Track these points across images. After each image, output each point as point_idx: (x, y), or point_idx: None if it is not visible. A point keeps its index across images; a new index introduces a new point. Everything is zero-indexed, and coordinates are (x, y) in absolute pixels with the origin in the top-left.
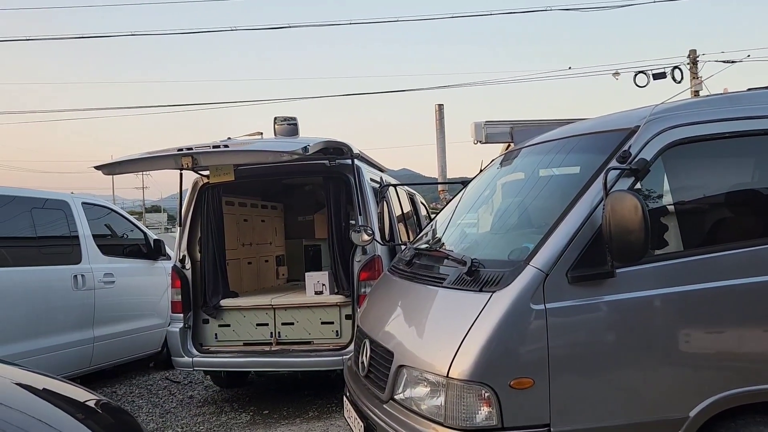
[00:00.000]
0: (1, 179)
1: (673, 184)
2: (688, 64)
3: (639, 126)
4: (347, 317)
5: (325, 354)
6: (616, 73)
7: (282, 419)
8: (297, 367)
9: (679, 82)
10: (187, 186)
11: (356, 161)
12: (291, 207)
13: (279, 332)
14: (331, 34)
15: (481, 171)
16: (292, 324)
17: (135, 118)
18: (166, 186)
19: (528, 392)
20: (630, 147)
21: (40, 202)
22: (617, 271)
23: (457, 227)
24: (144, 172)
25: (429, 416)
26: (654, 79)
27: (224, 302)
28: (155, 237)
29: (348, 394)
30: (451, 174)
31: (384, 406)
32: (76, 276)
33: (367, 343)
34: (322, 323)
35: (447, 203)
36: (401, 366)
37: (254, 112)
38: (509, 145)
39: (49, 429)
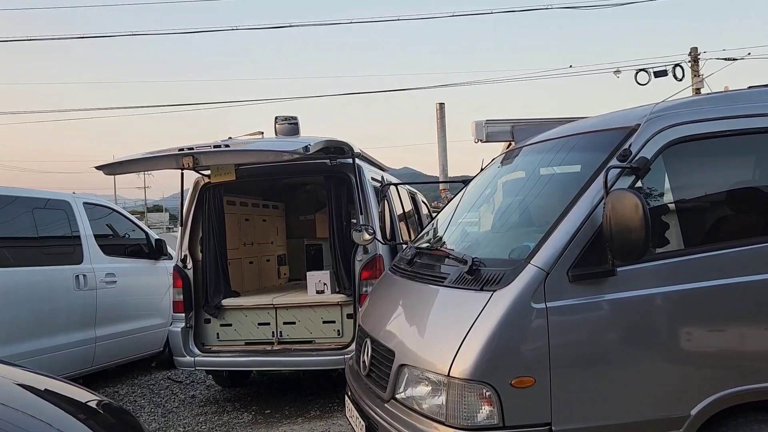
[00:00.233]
0: (2, 179)
1: (673, 182)
2: (689, 61)
3: (639, 124)
4: (348, 316)
5: (327, 353)
6: (618, 71)
7: (284, 418)
8: (299, 366)
9: (681, 80)
10: (189, 186)
11: (357, 160)
12: (292, 206)
13: (280, 332)
14: (332, 33)
15: (482, 170)
16: (294, 323)
17: (135, 118)
18: (168, 186)
19: (529, 391)
20: (630, 145)
21: (41, 203)
22: (618, 269)
23: (458, 226)
24: (145, 172)
25: (430, 415)
26: (655, 77)
27: (226, 302)
28: (157, 237)
29: (349, 394)
30: (453, 173)
31: (385, 405)
32: (77, 276)
33: (369, 343)
34: (324, 322)
35: (448, 202)
36: (402, 365)
37: (255, 111)
38: (510, 144)
39: (51, 430)
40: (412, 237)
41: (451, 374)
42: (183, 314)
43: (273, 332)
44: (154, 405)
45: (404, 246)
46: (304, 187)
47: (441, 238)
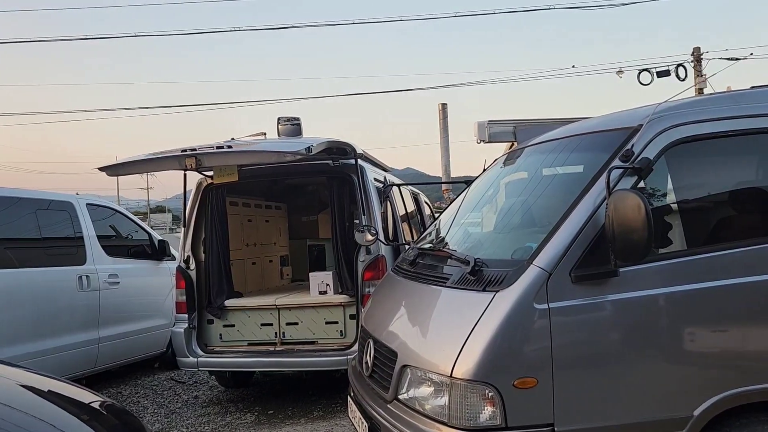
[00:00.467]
0: (5, 180)
1: (676, 182)
2: (692, 61)
3: (642, 125)
4: (351, 317)
5: (330, 354)
6: (620, 71)
7: (287, 419)
8: (301, 367)
9: (683, 80)
10: (192, 187)
11: (360, 161)
12: (295, 207)
13: (283, 332)
14: (334, 34)
15: (484, 170)
16: (297, 324)
17: (138, 119)
18: (171, 186)
19: (532, 392)
20: (633, 146)
21: (44, 204)
22: (620, 270)
23: (461, 227)
24: (148, 173)
25: (433, 416)
26: (658, 77)
27: (229, 302)
28: (160, 238)
29: (352, 394)
30: (455, 173)
31: (388, 406)
32: (80, 277)
33: (371, 343)
34: (327, 323)
35: (451, 202)
36: (405, 366)
37: (257, 112)
38: (512, 145)
39: (54, 431)
40: (415, 238)
41: (453, 375)
42: (186, 315)
43: (276, 333)
44: (157, 406)
45: (407, 247)
46: (306, 187)
47: (443, 238)
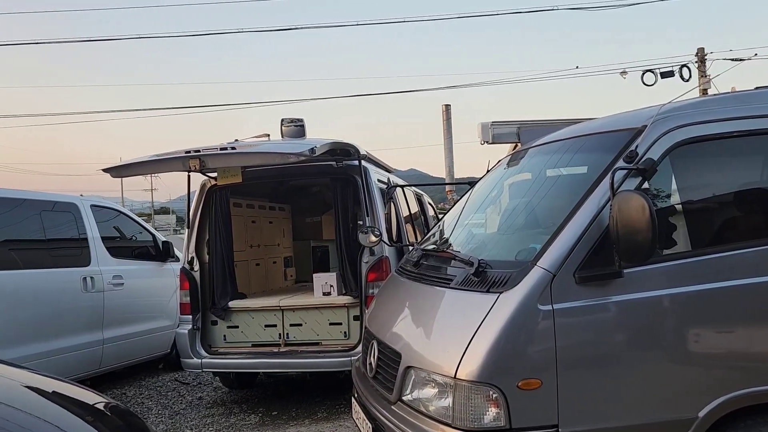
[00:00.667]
0: (10, 182)
1: (680, 183)
2: (696, 62)
3: (646, 125)
4: (355, 318)
5: (334, 355)
6: (624, 72)
7: (291, 420)
8: (305, 368)
9: (687, 81)
10: (195, 188)
11: (363, 162)
12: (298, 208)
13: (287, 333)
14: (337, 36)
15: (488, 171)
16: (301, 325)
17: (142, 120)
18: (175, 188)
19: (536, 393)
20: (637, 147)
21: (49, 205)
22: (625, 271)
23: (465, 228)
24: (152, 175)
25: (437, 417)
26: (662, 78)
27: (233, 304)
28: (164, 239)
29: (356, 396)
30: (459, 174)
31: (392, 407)
32: (85, 278)
33: (375, 345)
34: (330, 324)
35: (454, 204)
36: (409, 367)
37: (261, 113)
38: (516, 146)
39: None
40: (419, 239)
41: (457, 376)
42: (190, 316)
43: (280, 334)
44: (161, 407)
45: (410, 248)
46: (310, 189)
47: (447, 239)
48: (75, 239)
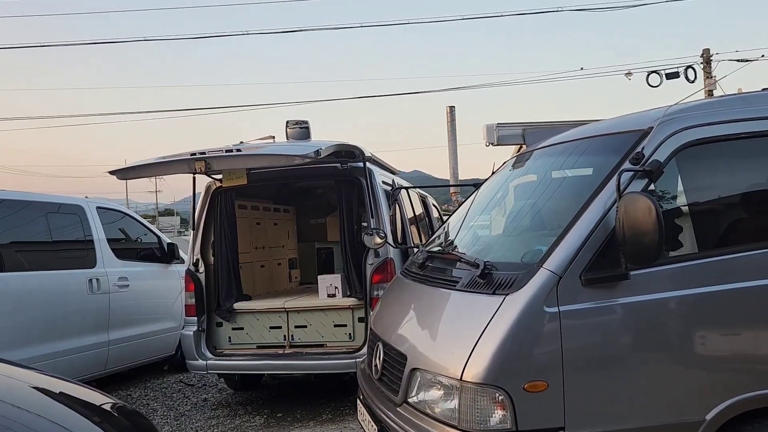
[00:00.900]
0: (16, 184)
1: (687, 185)
2: (701, 63)
3: (652, 127)
4: (360, 320)
5: (339, 357)
6: (629, 74)
7: (295, 422)
8: (310, 369)
9: (693, 82)
10: (200, 190)
11: (368, 164)
12: (303, 210)
13: (292, 335)
14: (341, 38)
15: (493, 173)
16: (305, 327)
17: (147, 122)
18: (180, 189)
19: (542, 395)
20: (643, 148)
21: (54, 207)
22: (631, 273)
23: (470, 230)
24: (157, 177)
25: (443, 419)
26: (667, 79)
27: (237, 305)
28: (169, 241)
29: (361, 397)
30: (464, 176)
31: (397, 409)
32: (90, 280)
33: (380, 346)
34: (335, 326)
35: (459, 205)
36: (414, 369)
37: (266, 115)
38: (521, 147)
39: None
40: (423, 240)
41: (463, 378)
42: (195, 318)
43: (284, 336)
44: (166, 408)
45: (415, 249)
46: (315, 190)
47: (452, 241)
48: (81, 241)
